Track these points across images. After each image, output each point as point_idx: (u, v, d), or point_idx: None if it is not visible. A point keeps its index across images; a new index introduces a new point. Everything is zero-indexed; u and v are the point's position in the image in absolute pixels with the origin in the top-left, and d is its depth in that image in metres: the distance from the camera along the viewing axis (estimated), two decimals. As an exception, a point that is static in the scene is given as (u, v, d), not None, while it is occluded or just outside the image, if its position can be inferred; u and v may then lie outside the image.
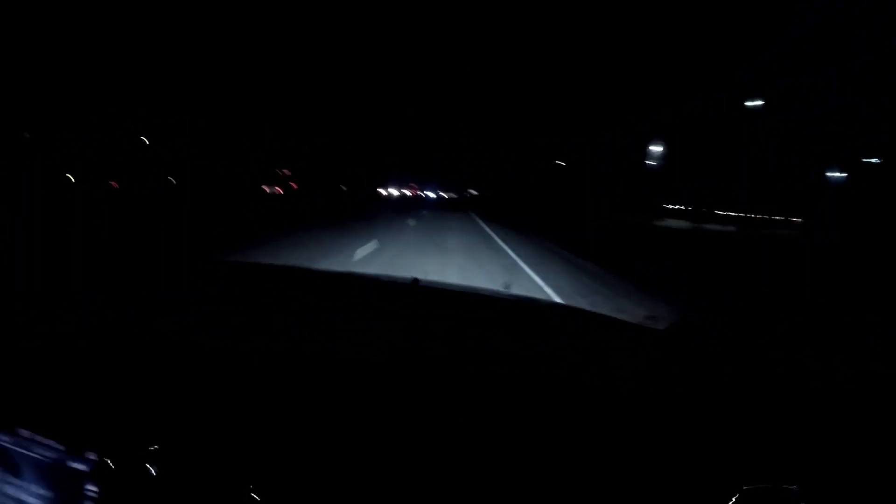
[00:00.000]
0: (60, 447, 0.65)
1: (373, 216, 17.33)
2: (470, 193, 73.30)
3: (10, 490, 0.67)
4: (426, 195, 64.64)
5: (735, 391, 0.70)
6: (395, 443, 0.62)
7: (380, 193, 66.80)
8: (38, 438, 0.66)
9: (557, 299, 4.99)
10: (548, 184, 43.80)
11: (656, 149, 31.92)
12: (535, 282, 6.35)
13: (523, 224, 16.96)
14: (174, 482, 0.60)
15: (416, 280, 1.40)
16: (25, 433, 0.67)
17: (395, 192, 75.25)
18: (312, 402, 0.70)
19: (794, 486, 0.51)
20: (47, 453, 0.65)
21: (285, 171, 50.16)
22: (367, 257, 7.34)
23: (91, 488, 0.61)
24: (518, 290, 3.80)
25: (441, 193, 70.58)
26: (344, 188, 60.84)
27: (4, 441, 0.67)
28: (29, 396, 0.73)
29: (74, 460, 0.64)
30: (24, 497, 0.66)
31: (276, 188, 40.79)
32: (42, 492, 0.66)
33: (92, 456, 0.62)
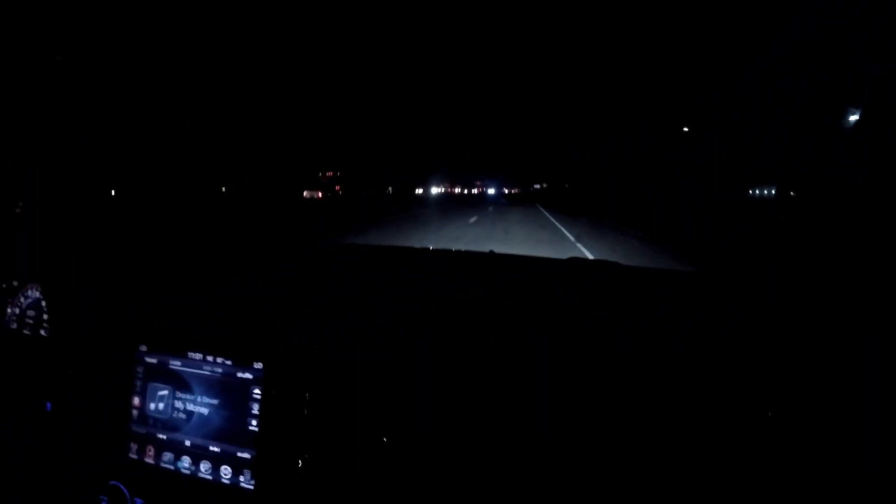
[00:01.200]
0: (228, 362, 0.75)
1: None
2: (534, 188, 68.40)
3: (181, 400, 0.77)
4: (489, 192, 60.40)
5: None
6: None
7: (429, 195, 62.63)
8: (209, 357, 0.76)
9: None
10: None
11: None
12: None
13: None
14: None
15: (491, 251, 1.56)
16: (196, 355, 0.77)
17: (458, 190, 71.00)
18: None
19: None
20: (217, 369, 0.76)
21: (328, 173, 47.03)
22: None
23: (257, 391, 0.73)
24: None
25: (505, 189, 66.15)
26: (390, 190, 57.10)
27: (175, 365, 0.78)
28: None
29: (242, 370, 0.74)
30: (194, 407, 0.77)
31: (317, 193, 37.23)
32: (211, 400, 0.76)
33: (258, 365, 0.74)
